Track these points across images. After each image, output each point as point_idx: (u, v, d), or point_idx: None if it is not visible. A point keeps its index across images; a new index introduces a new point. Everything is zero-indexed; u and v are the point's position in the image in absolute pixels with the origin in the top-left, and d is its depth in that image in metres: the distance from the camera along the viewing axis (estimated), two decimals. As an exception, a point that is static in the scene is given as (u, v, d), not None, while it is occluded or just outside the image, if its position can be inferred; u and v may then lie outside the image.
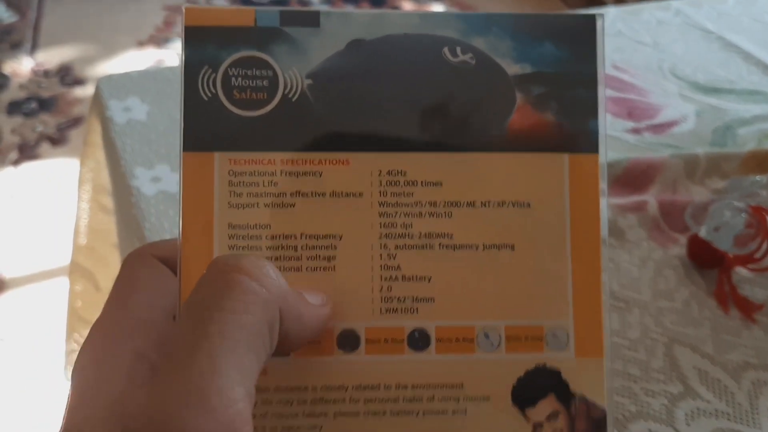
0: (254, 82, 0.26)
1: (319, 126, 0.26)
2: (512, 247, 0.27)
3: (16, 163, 1.50)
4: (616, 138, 0.60)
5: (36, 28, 1.86)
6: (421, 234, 0.27)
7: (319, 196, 0.26)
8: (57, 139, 1.55)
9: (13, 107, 1.63)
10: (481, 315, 0.26)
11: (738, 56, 0.73)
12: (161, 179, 0.52)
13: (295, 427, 0.26)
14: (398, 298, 0.26)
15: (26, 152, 1.52)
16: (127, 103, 0.59)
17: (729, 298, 0.47)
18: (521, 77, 0.27)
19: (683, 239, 0.51)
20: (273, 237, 0.26)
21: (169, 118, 0.58)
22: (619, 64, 0.70)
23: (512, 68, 0.27)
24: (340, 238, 0.26)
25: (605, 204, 0.27)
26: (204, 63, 0.26)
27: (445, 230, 0.27)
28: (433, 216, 0.27)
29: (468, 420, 0.26)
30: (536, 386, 0.26)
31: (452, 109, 0.27)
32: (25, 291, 1.27)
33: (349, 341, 0.26)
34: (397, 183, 0.27)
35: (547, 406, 0.26)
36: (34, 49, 1.80)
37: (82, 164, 0.66)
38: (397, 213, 0.27)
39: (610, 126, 0.61)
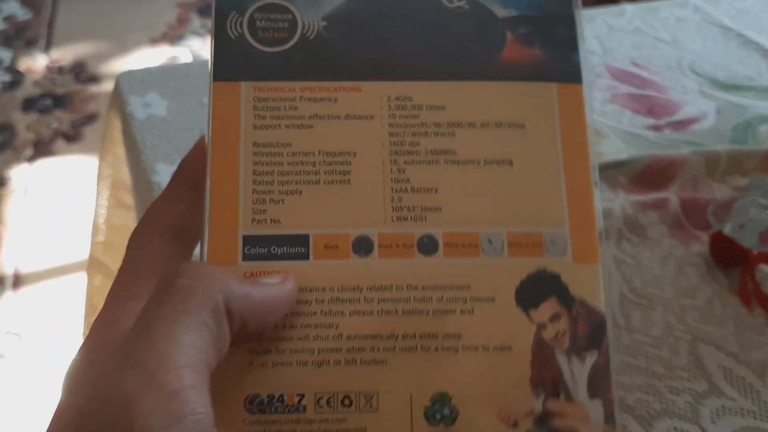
0: (276, 23, 0.30)
1: (333, 59, 0.30)
2: (510, 163, 0.29)
3: (31, 159, 1.51)
4: (636, 135, 0.60)
5: (50, 26, 1.87)
6: (427, 151, 0.29)
7: (334, 118, 0.29)
8: (72, 136, 1.55)
9: (28, 104, 1.64)
10: (485, 222, 0.28)
11: (757, 53, 0.72)
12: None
13: (313, 324, 0.27)
14: (408, 207, 0.29)
15: (41, 149, 1.53)
16: (147, 98, 0.59)
17: (752, 296, 0.46)
18: (509, 19, 0.30)
19: (705, 237, 0.50)
20: (293, 154, 0.29)
21: (189, 113, 0.58)
22: (638, 60, 0.70)
23: (501, 12, 0.31)
24: (354, 155, 0.29)
25: (592, 130, 0.29)
26: (232, 9, 0.30)
27: (449, 147, 0.29)
28: (438, 135, 0.29)
29: (475, 319, 0.28)
30: (538, 288, 0.28)
31: (450, 45, 0.30)
32: (41, 287, 1.27)
33: (363, 246, 0.28)
34: (405, 107, 0.30)
35: (549, 307, 0.28)
36: (48, 46, 1.81)
37: (100, 160, 0.66)
38: (405, 132, 0.29)
39: (630, 123, 0.61)
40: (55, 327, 1.19)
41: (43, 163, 1.50)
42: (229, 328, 0.24)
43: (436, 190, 0.29)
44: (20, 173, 1.48)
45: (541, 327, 0.27)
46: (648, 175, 0.54)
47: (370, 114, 0.29)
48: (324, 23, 0.30)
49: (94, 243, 0.70)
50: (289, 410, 0.27)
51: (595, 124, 0.57)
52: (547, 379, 0.27)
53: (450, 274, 0.28)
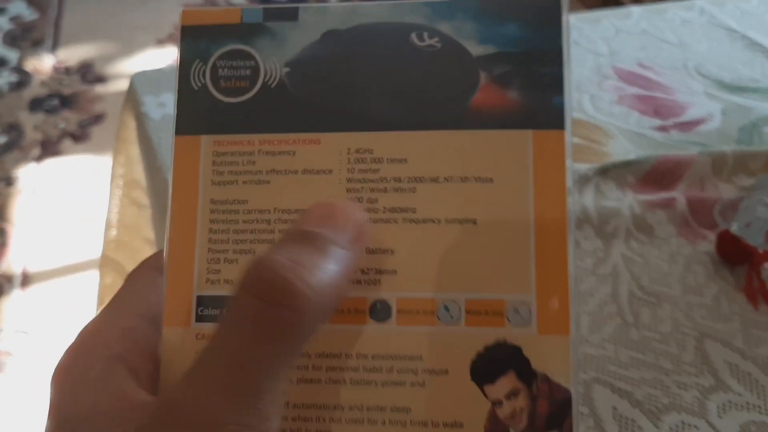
0: (238, 71, 0.29)
1: (293, 109, 0.28)
2: (474, 222, 0.27)
3: (38, 159, 1.52)
4: (643, 135, 0.61)
5: (57, 26, 1.88)
6: (385, 208, 0.27)
7: (291, 173, 0.28)
8: (79, 136, 1.56)
9: (35, 104, 1.65)
10: (442, 288, 0.27)
11: (762, 55, 0.73)
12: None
13: None
14: (362, 270, 0.27)
15: (49, 149, 1.54)
16: (162, 98, 0.60)
17: (758, 293, 0.47)
18: (485, 58, 0.28)
19: (711, 236, 0.51)
20: (249, 211, 0.28)
21: (203, 113, 0.59)
22: (644, 62, 0.70)
23: (476, 49, 0.28)
24: None
25: (571, 179, 0.27)
26: (196, 57, 0.29)
27: (408, 205, 0.27)
28: (397, 191, 0.28)
29: (425, 392, 0.26)
30: (496, 362, 0.26)
31: (417, 91, 0.28)
32: (48, 285, 1.28)
33: None
34: (365, 160, 0.28)
35: (506, 383, 0.26)
36: (55, 46, 1.82)
37: (114, 159, 0.67)
38: (363, 188, 0.28)
39: (637, 123, 0.62)
40: (63, 325, 1.20)
41: (51, 163, 1.51)
42: None
43: (393, 252, 0.27)
44: (28, 173, 1.49)
45: (496, 404, 0.26)
46: (655, 174, 0.55)
47: (328, 168, 0.28)
48: (287, 69, 0.28)
49: (106, 241, 0.71)
50: None
51: (602, 124, 0.58)
52: None
53: (402, 343, 0.26)
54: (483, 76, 0.28)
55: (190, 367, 0.22)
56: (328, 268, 0.23)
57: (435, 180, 0.27)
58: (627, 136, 0.60)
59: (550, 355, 0.26)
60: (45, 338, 1.19)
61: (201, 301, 0.27)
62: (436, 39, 0.28)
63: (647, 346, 0.44)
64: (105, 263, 0.72)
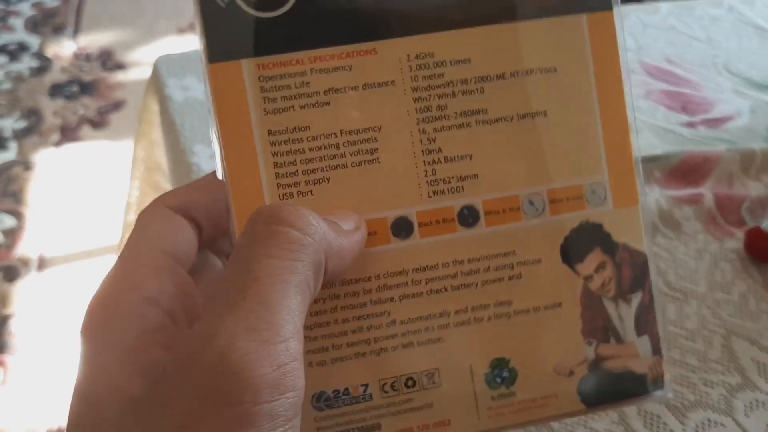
0: None
1: (340, 17, 0.26)
2: (545, 114, 0.28)
3: (57, 144, 1.52)
4: (670, 131, 0.60)
5: (78, 13, 1.88)
6: (456, 114, 0.27)
7: (352, 90, 0.26)
8: (98, 122, 1.57)
9: (55, 90, 1.65)
10: (524, 184, 0.28)
11: (792, 54, 0.72)
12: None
13: (365, 315, 0.27)
14: (443, 180, 0.27)
15: (68, 134, 1.54)
16: (185, 82, 0.60)
17: (787, 292, 0.46)
18: None
19: (739, 233, 0.50)
20: (313, 138, 0.26)
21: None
22: (672, 58, 0.70)
23: None
24: (379, 129, 0.27)
25: (626, 59, 0.28)
26: None
27: (479, 106, 0.27)
28: (465, 94, 0.27)
29: (523, 283, 0.28)
30: (582, 242, 0.28)
31: None
32: (65, 269, 1.29)
33: (403, 228, 0.27)
34: (427, 66, 0.27)
35: (594, 259, 0.28)
36: (76, 33, 1.82)
37: (136, 142, 0.67)
38: (431, 96, 0.27)
39: (664, 119, 0.61)
40: (78, 309, 1.21)
41: (69, 149, 1.52)
42: (320, 282, 0.23)
43: (471, 157, 0.27)
44: (46, 158, 1.49)
45: (587, 279, 0.28)
46: (683, 170, 0.54)
47: (390, 79, 0.27)
48: None
49: (125, 224, 0.71)
50: (355, 401, 0.27)
51: (629, 119, 0.57)
52: (597, 328, 0.28)
53: (494, 243, 0.27)
54: None
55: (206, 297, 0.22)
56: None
57: (501, 77, 0.27)
58: (654, 132, 0.60)
59: (626, 225, 0.28)
60: (60, 321, 1.20)
61: None
62: None
63: (674, 342, 0.43)
64: (123, 247, 0.72)
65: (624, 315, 0.28)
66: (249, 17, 0.25)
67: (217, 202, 0.26)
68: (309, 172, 0.26)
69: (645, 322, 0.28)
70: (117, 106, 1.61)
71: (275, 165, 0.26)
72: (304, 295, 0.22)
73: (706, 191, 0.53)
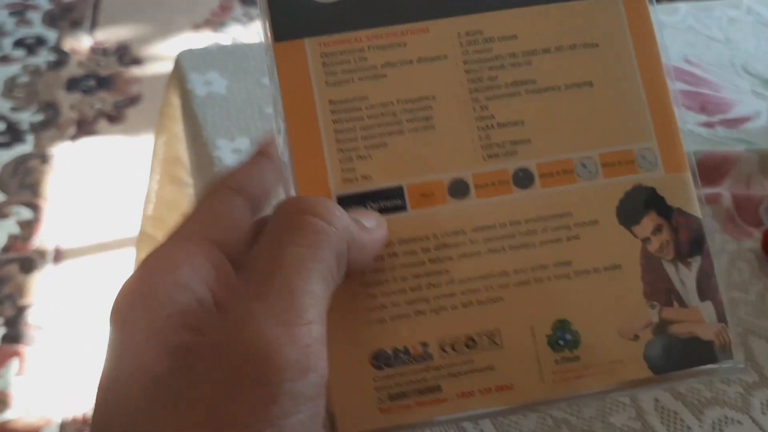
0: None
1: (394, 2, 0.29)
2: (591, 84, 0.29)
3: (74, 138, 1.53)
4: (689, 131, 0.60)
5: (96, 7, 1.89)
6: (506, 83, 0.29)
7: (407, 63, 0.29)
8: (114, 117, 1.58)
9: (72, 84, 1.66)
10: (576, 147, 0.29)
11: (811, 56, 0.72)
12: (242, 151, 0.53)
13: (423, 273, 0.27)
14: (497, 144, 0.28)
15: (84, 128, 1.55)
16: (208, 77, 0.60)
17: (804, 292, 0.46)
18: None
19: (757, 234, 0.51)
20: (371, 107, 0.28)
21: (248, 93, 0.59)
22: (691, 58, 0.70)
23: None
24: (434, 98, 0.29)
25: (662, 37, 0.29)
26: None
27: (527, 77, 0.29)
28: (514, 66, 0.29)
29: (582, 243, 0.28)
30: (637, 204, 0.28)
31: None
32: (81, 262, 1.30)
33: (459, 189, 0.28)
34: (477, 41, 0.29)
35: (650, 221, 0.28)
36: (93, 27, 1.83)
37: (156, 136, 0.68)
38: (481, 68, 0.29)
39: (682, 119, 0.61)
40: (94, 301, 1.22)
41: (86, 142, 1.53)
42: (343, 271, 0.24)
43: (523, 123, 0.29)
44: (63, 151, 1.50)
45: (645, 241, 0.28)
46: (701, 170, 0.54)
47: (442, 54, 0.29)
48: None
49: (144, 217, 0.72)
50: (415, 360, 0.27)
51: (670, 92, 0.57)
52: (659, 290, 0.28)
53: (550, 203, 0.28)
54: None
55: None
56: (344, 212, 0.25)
57: (547, 51, 0.29)
58: (672, 131, 0.60)
59: (678, 190, 0.28)
60: (76, 314, 1.21)
61: (341, 200, 0.27)
62: None
63: (690, 339, 0.43)
64: (142, 239, 0.73)
65: (685, 279, 0.28)
66: (310, 1, 0.28)
67: (271, 176, 0.28)
68: (368, 137, 0.28)
69: (707, 288, 0.28)
70: (133, 100, 1.62)
71: (336, 131, 0.28)
72: (328, 282, 0.23)
73: (724, 191, 0.53)
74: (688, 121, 0.61)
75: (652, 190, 0.28)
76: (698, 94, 0.65)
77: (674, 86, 0.29)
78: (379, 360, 0.26)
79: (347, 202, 0.27)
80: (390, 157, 0.28)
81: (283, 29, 0.28)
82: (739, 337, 0.43)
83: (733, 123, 0.61)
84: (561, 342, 0.27)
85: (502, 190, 0.28)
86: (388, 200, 0.28)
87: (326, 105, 0.28)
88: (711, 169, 0.55)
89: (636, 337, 0.27)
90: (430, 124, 0.28)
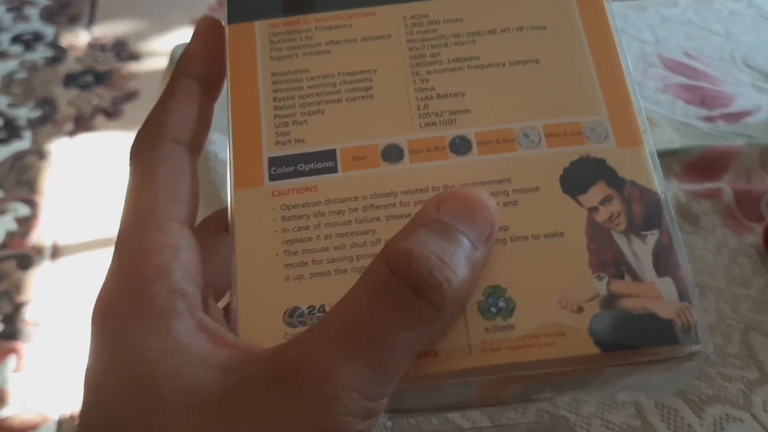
0: None
1: None
2: (537, 61, 0.29)
3: (71, 134, 1.53)
4: (689, 125, 0.59)
5: (93, 3, 1.88)
6: (449, 59, 0.29)
7: (351, 42, 0.29)
8: (112, 113, 1.57)
9: (70, 80, 1.66)
10: (518, 118, 0.28)
11: (812, 49, 0.71)
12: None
13: (348, 233, 0.27)
14: (435, 113, 0.28)
15: (82, 124, 1.55)
16: (203, 71, 0.60)
17: (806, 288, 0.46)
18: None
19: (758, 228, 0.50)
20: (312, 78, 0.29)
21: (243, 87, 0.59)
22: (690, 52, 0.69)
23: None
24: (375, 72, 0.29)
25: (612, 13, 0.29)
26: None
27: (471, 54, 0.29)
28: (458, 44, 0.29)
29: (520, 209, 0.27)
30: (584, 173, 0.27)
31: None
32: (78, 258, 1.29)
33: (393, 154, 0.28)
34: (422, 24, 0.30)
35: (598, 191, 0.27)
36: (90, 23, 1.83)
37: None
38: (424, 46, 0.29)
39: (682, 113, 0.61)
40: (91, 297, 1.21)
41: (83, 138, 1.52)
42: None
43: (463, 95, 0.28)
44: (60, 147, 1.50)
45: (592, 210, 0.27)
46: (701, 164, 0.54)
47: (386, 34, 0.30)
48: None
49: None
50: None
51: (647, 112, 0.57)
52: (607, 261, 0.26)
53: (487, 170, 0.27)
54: None
55: (311, 327, 0.22)
56: (468, 272, 0.23)
57: (492, 32, 0.29)
58: (672, 125, 0.59)
59: (632, 164, 0.27)
60: (73, 311, 1.20)
61: (272, 161, 0.27)
62: None
63: (691, 336, 0.43)
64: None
65: (639, 251, 0.26)
66: None
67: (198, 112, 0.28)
68: (305, 105, 0.28)
69: (666, 264, 0.26)
70: (131, 96, 1.61)
71: (275, 99, 0.28)
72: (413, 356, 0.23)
73: (725, 186, 0.53)
74: (688, 115, 0.61)
75: (602, 162, 0.27)
76: (698, 88, 0.64)
77: (629, 68, 0.29)
78: (293, 317, 0.25)
79: (278, 163, 0.27)
80: (326, 123, 0.28)
81: (237, 13, 0.30)
82: (740, 334, 0.43)
83: (734, 117, 0.61)
84: (493, 309, 0.25)
85: (437, 156, 0.27)
86: (319, 162, 0.28)
87: (268, 76, 0.29)
88: (711, 164, 0.54)
89: (580, 309, 0.25)
90: (368, 94, 0.29)
